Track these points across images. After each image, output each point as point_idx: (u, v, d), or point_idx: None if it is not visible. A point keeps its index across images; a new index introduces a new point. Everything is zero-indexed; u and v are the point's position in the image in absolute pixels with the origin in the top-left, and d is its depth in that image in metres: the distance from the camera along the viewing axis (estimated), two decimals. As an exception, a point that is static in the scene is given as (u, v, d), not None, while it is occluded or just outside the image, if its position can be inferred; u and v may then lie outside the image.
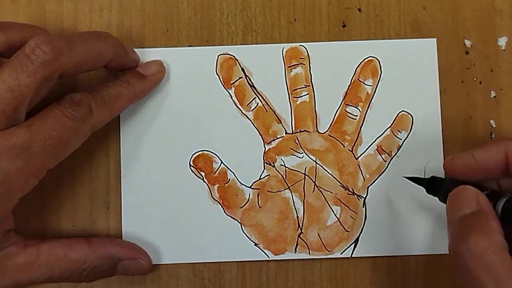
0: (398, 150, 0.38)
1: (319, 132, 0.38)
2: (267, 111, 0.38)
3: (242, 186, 0.37)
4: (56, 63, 0.30)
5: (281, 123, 0.38)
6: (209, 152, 0.38)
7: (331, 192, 0.37)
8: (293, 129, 0.38)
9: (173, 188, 0.37)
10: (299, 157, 0.38)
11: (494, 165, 0.31)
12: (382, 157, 0.38)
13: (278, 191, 0.37)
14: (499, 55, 0.38)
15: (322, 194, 0.37)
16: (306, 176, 0.37)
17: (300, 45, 0.38)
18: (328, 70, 0.38)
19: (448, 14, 0.38)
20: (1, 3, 0.38)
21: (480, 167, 0.31)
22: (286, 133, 0.38)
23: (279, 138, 0.38)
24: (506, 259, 0.28)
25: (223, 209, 0.37)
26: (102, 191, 0.38)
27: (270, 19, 0.38)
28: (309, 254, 0.37)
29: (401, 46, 0.38)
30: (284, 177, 0.37)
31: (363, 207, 0.37)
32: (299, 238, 0.37)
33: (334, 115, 0.38)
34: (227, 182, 0.37)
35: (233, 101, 0.38)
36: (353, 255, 0.37)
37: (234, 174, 0.37)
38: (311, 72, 0.38)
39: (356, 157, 0.38)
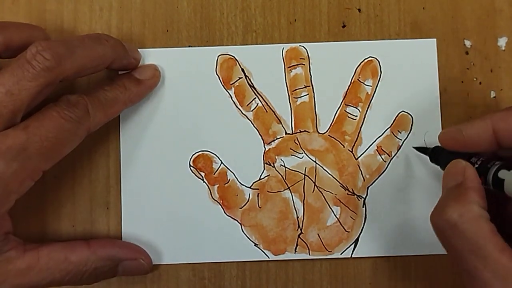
0: (398, 150, 0.38)
1: (319, 133, 0.38)
2: (267, 111, 0.38)
3: (242, 186, 0.38)
4: (57, 69, 0.30)
5: (281, 123, 0.38)
6: (209, 153, 0.38)
7: (331, 193, 0.37)
8: (293, 129, 0.38)
9: (173, 188, 0.37)
10: (299, 158, 0.38)
11: (481, 139, 0.31)
12: (382, 158, 0.38)
13: (278, 192, 0.37)
14: (499, 55, 0.38)
15: (322, 194, 0.37)
16: (306, 176, 0.37)
17: (300, 46, 0.38)
18: (328, 71, 0.38)
19: (448, 14, 0.38)
20: (1, 3, 0.38)
21: (468, 142, 0.32)
22: (286, 133, 0.38)
23: (279, 138, 0.38)
24: (481, 228, 0.28)
25: (223, 209, 0.37)
26: (102, 191, 0.38)
27: (270, 19, 0.38)
28: (309, 254, 0.37)
29: (401, 46, 0.38)
30: (284, 177, 0.37)
31: (363, 207, 0.37)
32: (299, 239, 0.37)
33: (334, 115, 0.38)
34: (227, 183, 0.37)
35: (233, 101, 0.38)
36: (353, 255, 0.37)
37: (234, 175, 0.37)
38: (311, 72, 0.38)
39: (356, 157, 0.38)
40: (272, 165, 0.38)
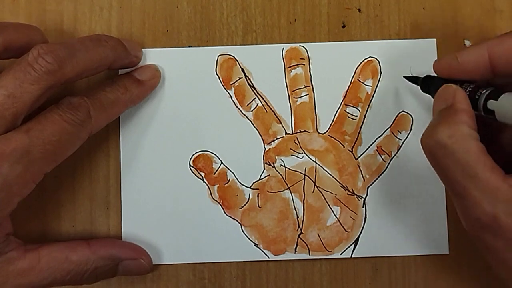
0: (398, 151, 0.38)
1: (319, 133, 0.38)
2: (267, 111, 0.38)
3: (242, 186, 0.38)
4: (59, 72, 0.30)
5: (281, 123, 0.38)
6: (209, 153, 0.38)
7: (331, 193, 0.37)
8: (293, 129, 0.38)
9: (173, 188, 0.37)
10: (299, 158, 0.38)
11: (476, 65, 0.31)
12: (382, 158, 0.38)
13: (278, 192, 0.37)
14: (499, 55, 0.38)
15: (322, 194, 0.37)
16: (306, 176, 0.37)
17: (300, 46, 0.38)
18: (328, 71, 0.38)
19: (448, 14, 0.38)
20: (1, 3, 0.38)
21: (463, 68, 0.32)
22: (286, 133, 0.38)
23: (279, 138, 0.38)
24: (470, 148, 0.28)
25: (223, 209, 0.37)
26: (102, 191, 0.38)
27: (270, 19, 0.38)
28: (309, 255, 0.37)
29: (401, 46, 0.38)
30: (284, 177, 0.37)
31: (363, 207, 0.37)
32: (299, 239, 0.37)
33: (334, 115, 0.38)
34: (227, 183, 0.37)
35: (233, 101, 0.38)
36: (353, 255, 0.37)
37: (234, 175, 0.38)
38: (311, 72, 0.38)
39: (356, 157, 0.38)
40: (272, 165, 0.38)
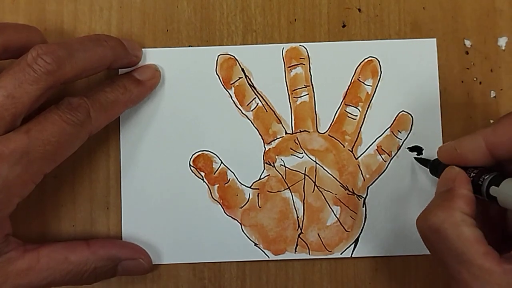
0: (398, 150, 0.38)
1: (319, 132, 0.38)
2: (267, 111, 0.38)
3: (242, 186, 0.38)
4: (58, 72, 0.30)
5: (281, 123, 0.38)
6: (209, 152, 0.38)
7: (331, 192, 0.37)
8: (293, 129, 0.38)
9: (173, 188, 0.37)
10: (299, 157, 0.38)
11: (475, 154, 0.31)
12: (382, 157, 0.38)
13: (278, 191, 0.37)
14: (499, 55, 0.38)
15: (322, 194, 0.37)
16: (306, 176, 0.37)
17: (300, 45, 0.38)
18: (328, 70, 0.38)
19: (448, 14, 0.38)
20: (1, 3, 0.38)
21: (463, 157, 0.32)
22: (286, 133, 0.38)
23: (279, 138, 0.38)
24: (462, 233, 0.28)
25: (223, 209, 0.37)
26: (102, 191, 0.38)
27: (270, 19, 0.38)
28: (309, 254, 0.37)
29: (401, 46, 0.38)
30: (284, 177, 0.37)
31: (363, 207, 0.37)
32: (299, 238, 0.37)
33: (334, 115, 0.38)
34: (227, 182, 0.37)
35: (233, 101, 0.38)
36: (353, 255, 0.37)
37: (234, 174, 0.37)
38: (311, 72, 0.38)
39: (356, 157, 0.38)
40: (272, 165, 0.38)
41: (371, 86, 0.38)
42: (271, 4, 0.38)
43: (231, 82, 0.38)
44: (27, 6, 0.38)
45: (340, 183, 0.37)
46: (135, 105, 0.37)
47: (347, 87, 0.38)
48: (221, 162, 0.37)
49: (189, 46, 0.38)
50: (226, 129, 0.38)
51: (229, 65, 0.38)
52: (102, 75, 0.38)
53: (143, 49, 0.38)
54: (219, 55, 0.38)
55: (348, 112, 0.38)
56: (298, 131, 0.38)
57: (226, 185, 0.37)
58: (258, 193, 0.37)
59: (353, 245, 0.37)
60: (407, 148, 0.37)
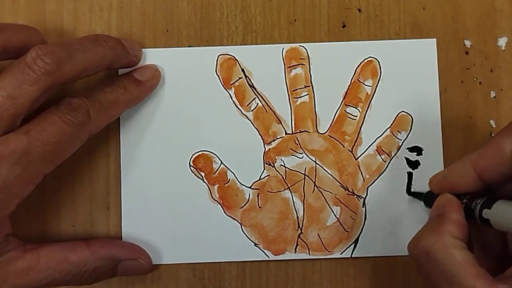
0: (398, 151, 0.38)
1: (319, 133, 0.38)
2: (267, 111, 0.38)
3: (242, 186, 0.38)
4: (58, 73, 0.30)
5: (281, 123, 0.38)
6: (209, 152, 0.38)
7: (331, 193, 0.37)
8: (293, 129, 0.38)
9: (173, 188, 0.37)
10: (299, 158, 0.38)
11: (465, 181, 0.32)
12: (382, 158, 0.38)
13: (278, 192, 0.37)
14: (499, 55, 0.38)
15: (322, 194, 0.37)
16: (306, 176, 0.37)
17: (300, 46, 0.38)
18: (328, 71, 0.38)
19: (448, 14, 0.38)
20: (1, 3, 0.38)
21: (453, 185, 0.32)
22: (286, 133, 0.38)
23: (279, 138, 0.38)
24: (452, 256, 0.28)
25: (223, 209, 0.37)
26: (102, 191, 0.38)
27: (270, 19, 0.38)
28: (309, 254, 0.37)
29: (401, 46, 0.38)
30: (284, 177, 0.37)
31: (363, 207, 0.37)
32: (299, 238, 0.37)
33: (334, 115, 0.38)
34: (227, 182, 0.37)
35: (233, 101, 0.38)
36: (353, 255, 0.37)
37: (234, 174, 0.38)
38: (311, 72, 0.38)
39: (356, 157, 0.38)
40: (272, 165, 0.38)
41: (371, 86, 0.38)
42: (271, 4, 0.38)
43: (231, 82, 0.38)
44: (27, 6, 0.38)
45: (340, 183, 0.37)
46: (135, 105, 0.37)
47: (347, 87, 0.38)
48: (221, 162, 0.38)
49: (189, 46, 0.38)
50: (226, 129, 0.38)
51: (229, 65, 0.38)
52: (102, 75, 0.38)
53: (143, 49, 0.38)
54: (219, 55, 0.38)
55: (348, 113, 0.38)
56: (298, 131, 0.38)
57: (226, 185, 0.37)
58: (258, 193, 0.37)
59: (353, 245, 0.37)
60: (407, 148, 0.37)
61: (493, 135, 0.38)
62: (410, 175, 0.37)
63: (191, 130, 0.38)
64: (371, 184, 0.37)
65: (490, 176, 0.31)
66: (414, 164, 0.37)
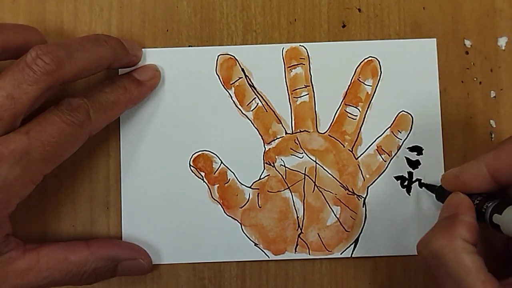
0: (398, 150, 0.38)
1: (319, 132, 0.38)
2: (267, 111, 0.38)
3: (242, 186, 0.38)
4: (57, 73, 0.30)
5: (281, 123, 0.38)
6: (209, 152, 0.38)
7: (331, 192, 0.37)
8: (293, 129, 0.38)
9: (173, 188, 0.37)
10: (299, 157, 0.38)
11: (478, 181, 0.31)
12: (382, 157, 0.38)
13: (278, 191, 0.37)
14: (499, 55, 0.38)
15: (322, 194, 0.37)
16: (306, 176, 0.37)
17: (300, 45, 0.38)
18: (328, 70, 0.38)
19: (448, 14, 0.38)
20: (1, 3, 0.38)
21: (466, 185, 0.32)
22: (286, 133, 0.38)
23: (279, 138, 0.38)
24: (462, 260, 0.28)
25: (223, 209, 0.37)
26: (102, 191, 0.38)
27: (270, 19, 0.38)
28: (309, 254, 0.37)
29: (401, 46, 0.38)
30: (284, 177, 0.37)
31: (363, 207, 0.37)
32: (299, 238, 0.37)
33: (334, 115, 0.38)
34: (227, 182, 0.37)
35: (233, 101, 0.38)
36: (353, 255, 0.37)
37: (234, 174, 0.37)
38: (311, 72, 0.38)
39: (356, 157, 0.38)
40: (272, 165, 0.38)
41: (371, 86, 0.38)
42: (271, 4, 0.38)
43: (231, 82, 0.38)
44: (27, 6, 0.38)
45: (340, 183, 0.37)
46: (135, 105, 0.37)
47: (347, 87, 0.38)
48: (221, 162, 0.37)
49: (189, 46, 0.38)
50: (226, 129, 0.38)
51: (229, 65, 0.38)
52: (102, 75, 0.38)
53: (143, 49, 0.38)
54: (219, 55, 0.38)
55: (348, 112, 0.38)
56: (298, 131, 0.38)
57: (226, 185, 0.37)
58: (258, 193, 0.37)
59: (353, 245, 0.37)
60: (407, 148, 0.37)
61: (493, 135, 0.38)
62: (410, 174, 0.37)
63: (191, 130, 0.38)
64: (371, 184, 0.37)
65: (504, 178, 0.30)
66: (414, 164, 0.37)
